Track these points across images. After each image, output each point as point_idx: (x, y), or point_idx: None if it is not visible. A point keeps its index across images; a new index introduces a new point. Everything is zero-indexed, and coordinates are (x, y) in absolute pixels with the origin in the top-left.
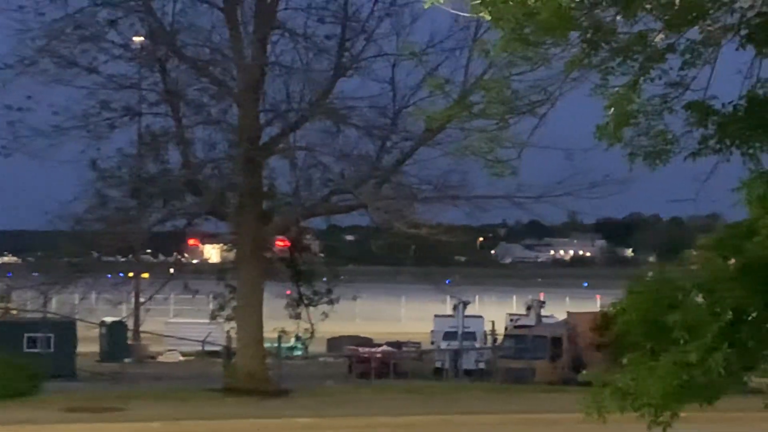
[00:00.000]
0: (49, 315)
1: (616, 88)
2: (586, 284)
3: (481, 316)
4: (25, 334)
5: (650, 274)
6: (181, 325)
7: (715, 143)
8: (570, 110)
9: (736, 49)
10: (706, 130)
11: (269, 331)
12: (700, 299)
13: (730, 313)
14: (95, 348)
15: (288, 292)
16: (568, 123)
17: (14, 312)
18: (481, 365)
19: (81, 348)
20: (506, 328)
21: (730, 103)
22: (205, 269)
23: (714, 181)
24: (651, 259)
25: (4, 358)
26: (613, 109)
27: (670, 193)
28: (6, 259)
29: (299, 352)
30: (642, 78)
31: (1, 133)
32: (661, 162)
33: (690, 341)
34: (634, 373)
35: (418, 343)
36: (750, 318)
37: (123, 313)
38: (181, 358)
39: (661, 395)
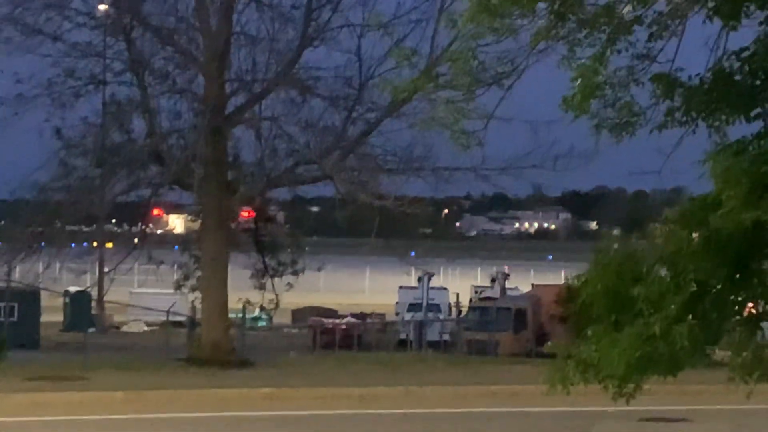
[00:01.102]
0: (12, 284)
1: (583, 60)
2: (550, 257)
3: (445, 288)
4: None
5: (615, 246)
6: (145, 295)
7: (681, 116)
8: (536, 82)
9: (703, 22)
10: (672, 103)
11: (234, 301)
12: (664, 272)
13: (694, 285)
14: (59, 318)
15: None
16: (534, 95)
17: None
18: (446, 337)
19: (44, 318)
20: (471, 300)
21: (696, 75)
22: (170, 239)
23: (679, 153)
24: (615, 232)
25: None
26: (579, 80)
27: (635, 166)
28: None
29: (264, 323)
30: (609, 50)
31: None
32: (627, 134)
33: (654, 313)
34: (598, 345)
35: (383, 315)
36: (714, 291)
37: (87, 282)
38: (146, 328)
39: (625, 367)
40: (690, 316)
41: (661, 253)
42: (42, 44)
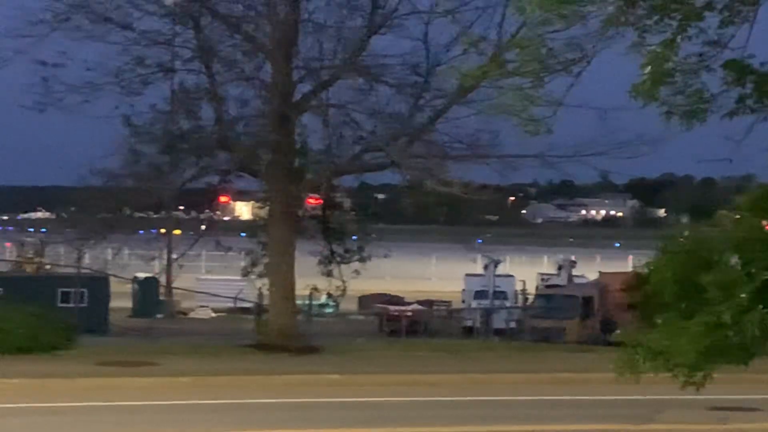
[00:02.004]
0: (82, 270)
1: (653, 47)
2: (617, 244)
3: (512, 276)
4: (59, 289)
5: (684, 234)
6: (212, 281)
7: (753, 102)
8: (604, 68)
9: None
10: (743, 89)
11: (301, 288)
12: (734, 260)
13: (765, 273)
14: (128, 303)
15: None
16: (602, 81)
17: (48, 267)
18: (512, 324)
19: (113, 303)
20: (537, 288)
21: None
22: (237, 226)
23: (750, 140)
24: (683, 219)
25: (37, 313)
26: (649, 67)
27: (704, 153)
28: (40, 214)
29: (330, 310)
30: (679, 36)
31: (35, 89)
32: (698, 121)
33: (723, 302)
34: (667, 333)
35: (449, 302)
36: None
37: (155, 269)
38: (213, 314)
39: (694, 355)
40: (761, 305)
41: (732, 241)
42: (111, 32)
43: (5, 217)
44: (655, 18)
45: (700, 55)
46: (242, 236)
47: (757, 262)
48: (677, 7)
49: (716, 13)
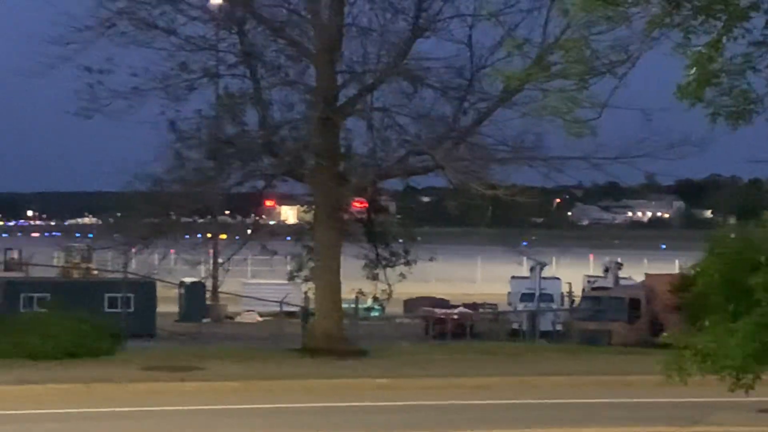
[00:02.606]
0: (129, 275)
1: (698, 48)
2: (664, 246)
3: (558, 278)
4: (106, 294)
5: (731, 236)
6: (258, 285)
7: None
8: (649, 70)
9: None
10: None
11: (347, 291)
12: None
13: None
14: (174, 308)
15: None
16: (647, 82)
17: (95, 272)
18: (558, 327)
19: (160, 308)
20: (583, 290)
21: None
22: (283, 230)
23: None
24: (730, 221)
25: (85, 318)
26: (694, 68)
27: (752, 154)
28: (87, 220)
29: (376, 313)
30: (725, 37)
31: (80, 96)
32: (744, 122)
33: None
34: (715, 335)
35: (495, 305)
36: None
37: (201, 273)
38: (259, 318)
39: (743, 357)
40: None
41: None
42: (156, 38)
43: (53, 223)
44: (700, 19)
45: (746, 55)
46: (288, 240)
47: None
48: (722, 8)
49: (762, 13)
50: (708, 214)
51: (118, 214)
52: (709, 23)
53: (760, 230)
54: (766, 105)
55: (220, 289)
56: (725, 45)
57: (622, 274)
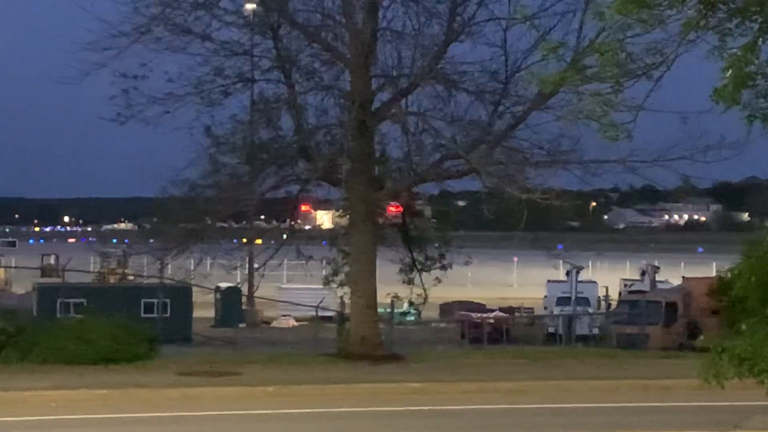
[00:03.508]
0: (165, 280)
1: (734, 50)
2: (701, 249)
3: (594, 282)
4: (142, 300)
5: None
6: (294, 290)
7: None
8: (685, 72)
9: None
10: None
11: (382, 296)
12: None
13: None
14: (210, 313)
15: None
16: (682, 85)
17: (131, 277)
18: (595, 331)
19: (196, 313)
20: (620, 294)
21: None
22: (318, 235)
23: None
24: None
25: (121, 323)
26: (730, 71)
27: None
28: (122, 225)
29: (412, 318)
30: (761, 39)
31: (116, 101)
32: None
33: None
34: (752, 339)
35: (531, 309)
36: None
37: (237, 278)
38: (295, 323)
39: None
40: None
41: None
42: (191, 43)
43: (89, 229)
44: (736, 21)
45: None
46: (324, 245)
47: None
48: (758, 10)
49: None
50: (745, 216)
51: (154, 220)
52: (745, 25)
53: None
54: None
55: (255, 294)
56: (761, 47)
57: (659, 277)
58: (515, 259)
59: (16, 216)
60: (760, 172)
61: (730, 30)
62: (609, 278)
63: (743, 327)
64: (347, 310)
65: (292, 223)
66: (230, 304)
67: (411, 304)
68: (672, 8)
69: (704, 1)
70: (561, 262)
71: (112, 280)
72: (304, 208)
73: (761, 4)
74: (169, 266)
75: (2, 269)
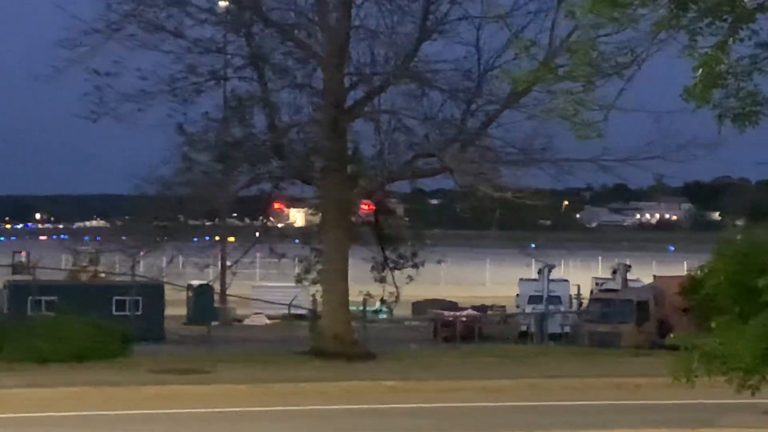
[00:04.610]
0: (137, 278)
1: (705, 49)
2: (672, 248)
3: (566, 280)
4: (114, 297)
5: (739, 237)
6: (267, 288)
7: None
8: (657, 72)
9: None
10: None
11: (355, 294)
12: None
13: None
14: (182, 311)
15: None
16: (655, 85)
17: (103, 275)
18: (567, 329)
19: (168, 311)
20: (592, 292)
21: None
22: (291, 233)
23: None
24: (739, 222)
25: (93, 321)
26: (701, 70)
27: (760, 156)
28: (94, 223)
29: (384, 316)
30: (731, 38)
31: (89, 98)
32: (751, 124)
33: None
34: (723, 337)
35: (503, 307)
36: None
37: (210, 276)
38: (268, 321)
39: (750, 359)
40: None
41: None
42: (164, 41)
43: (61, 226)
44: (707, 21)
45: (752, 57)
46: (296, 242)
47: None
48: (728, 10)
49: None
50: (716, 216)
51: (127, 217)
52: (715, 25)
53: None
54: None
55: (228, 292)
56: (732, 47)
57: (630, 276)
58: (487, 261)
59: None
60: (732, 171)
61: (701, 29)
62: (581, 277)
63: (713, 325)
64: (320, 308)
65: (265, 221)
66: (203, 302)
67: (383, 302)
68: (644, 7)
69: (675, 0)
70: (533, 260)
71: (84, 278)
72: (276, 206)
73: (731, 4)
74: (142, 264)
75: None
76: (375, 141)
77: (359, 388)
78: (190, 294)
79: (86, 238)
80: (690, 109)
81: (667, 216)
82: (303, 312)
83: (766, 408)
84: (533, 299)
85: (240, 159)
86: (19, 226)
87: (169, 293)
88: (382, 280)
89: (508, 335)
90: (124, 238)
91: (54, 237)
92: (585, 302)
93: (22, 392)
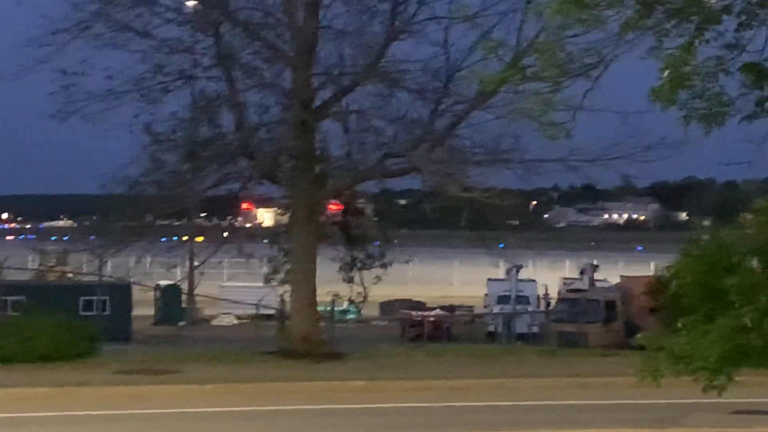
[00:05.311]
0: (104, 278)
1: (671, 50)
2: (640, 248)
3: (534, 280)
4: (81, 297)
5: (705, 237)
6: (235, 288)
7: None
8: (624, 73)
9: None
10: (762, 92)
11: (323, 294)
12: (755, 263)
13: None
14: (150, 311)
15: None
16: (622, 86)
17: (70, 275)
18: (535, 329)
19: (136, 311)
20: (559, 292)
21: None
22: (259, 233)
23: None
24: (706, 222)
25: (60, 321)
26: (668, 71)
27: (726, 157)
28: (62, 222)
29: (352, 316)
30: (697, 40)
31: (56, 98)
32: (716, 125)
33: (745, 305)
34: (689, 337)
35: (471, 307)
36: None
37: (177, 276)
38: (236, 321)
39: (716, 359)
40: None
41: (753, 243)
42: (132, 40)
43: (28, 226)
44: (673, 22)
45: (719, 58)
46: (265, 242)
47: None
48: (694, 11)
49: (734, 16)
50: (683, 216)
51: (94, 217)
52: (681, 26)
53: (734, 232)
54: (738, 107)
55: (196, 292)
56: (698, 48)
57: (597, 276)
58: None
59: None
60: (699, 171)
61: (667, 30)
62: (549, 277)
63: (680, 325)
64: (288, 308)
65: (233, 221)
66: (170, 302)
67: (351, 302)
68: (611, 9)
69: (642, 1)
70: (501, 260)
71: (51, 277)
72: (245, 206)
73: (697, 5)
74: (109, 264)
75: None
76: (343, 141)
77: (327, 388)
78: (158, 294)
79: (54, 237)
80: (657, 109)
81: (634, 216)
82: (271, 312)
83: (735, 407)
84: (501, 299)
85: (208, 159)
86: None
87: (137, 293)
88: (351, 280)
89: (476, 335)
90: (91, 237)
91: (21, 237)
92: (553, 302)
93: None
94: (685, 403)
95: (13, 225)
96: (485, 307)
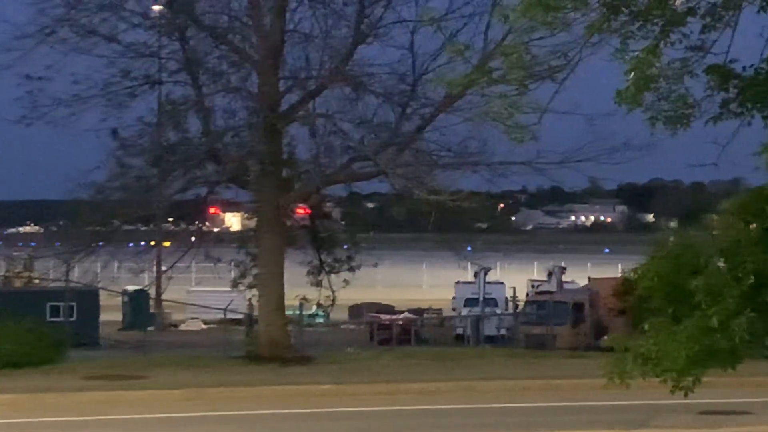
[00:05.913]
0: (71, 284)
1: (636, 53)
2: (607, 250)
3: (502, 283)
4: (48, 303)
5: (672, 239)
6: (202, 293)
7: (736, 107)
8: (590, 75)
9: (757, 12)
10: (727, 94)
11: (291, 298)
12: (722, 264)
13: (752, 277)
14: (118, 316)
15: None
16: (588, 88)
17: (37, 281)
18: (503, 331)
19: (103, 316)
20: (527, 294)
21: (751, 66)
22: (227, 237)
23: (735, 145)
24: (672, 224)
25: (27, 327)
26: (633, 73)
27: (692, 158)
28: (28, 228)
29: (321, 320)
30: (662, 42)
31: (21, 103)
32: (682, 126)
33: (712, 306)
34: (656, 339)
35: (440, 310)
36: None
37: (145, 281)
38: (203, 326)
39: (684, 360)
40: (749, 308)
41: (719, 244)
42: (97, 45)
43: None
44: (638, 24)
45: (684, 60)
46: (232, 247)
47: (743, 265)
48: (659, 13)
49: (698, 18)
50: (650, 217)
51: (61, 223)
52: (646, 28)
53: (701, 233)
54: (703, 109)
55: (164, 297)
56: (663, 50)
57: (565, 278)
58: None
59: None
60: (665, 173)
61: (633, 33)
62: (517, 279)
63: (647, 327)
64: (256, 313)
65: (201, 225)
66: (138, 308)
67: (319, 306)
68: (576, 11)
69: (607, 4)
70: (469, 263)
71: (17, 283)
72: (212, 210)
73: (662, 8)
74: (76, 269)
75: None
76: (310, 145)
77: (295, 392)
78: (126, 299)
79: (20, 243)
80: (622, 112)
81: (601, 218)
82: (239, 316)
83: (702, 408)
84: (469, 302)
85: (175, 163)
86: None
87: (105, 299)
88: (319, 284)
89: (445, 338)
90: (58, 243)
91: None
92: (521, 304)
93: None
94: (653, 404)
95: None
96: (453, 309)
